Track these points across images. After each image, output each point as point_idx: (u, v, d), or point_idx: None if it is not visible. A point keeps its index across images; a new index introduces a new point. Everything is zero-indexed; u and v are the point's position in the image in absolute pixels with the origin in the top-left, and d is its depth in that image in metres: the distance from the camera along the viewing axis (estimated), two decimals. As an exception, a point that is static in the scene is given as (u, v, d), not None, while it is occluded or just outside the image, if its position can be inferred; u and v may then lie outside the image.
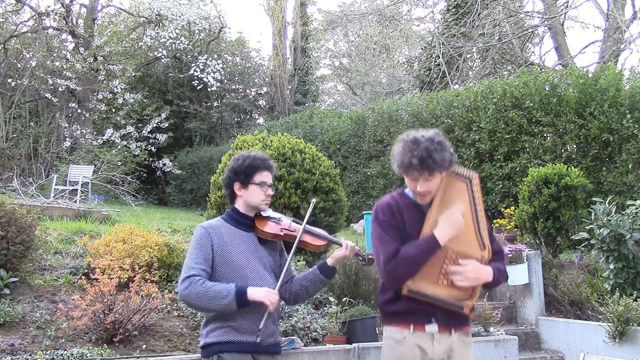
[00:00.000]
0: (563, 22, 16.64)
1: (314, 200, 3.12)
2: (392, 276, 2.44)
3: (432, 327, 2.51)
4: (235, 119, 21.12)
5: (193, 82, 18.08)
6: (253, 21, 46.49)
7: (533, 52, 19.88)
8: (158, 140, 16.70)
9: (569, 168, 6.99)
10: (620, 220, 5.63)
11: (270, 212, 2.91)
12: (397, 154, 2.50)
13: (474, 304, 2.57)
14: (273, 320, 2.78)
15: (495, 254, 2.59)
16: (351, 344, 4.90)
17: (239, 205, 2.87)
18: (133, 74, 17.45)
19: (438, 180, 2.48)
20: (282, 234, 2.83)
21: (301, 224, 2.88)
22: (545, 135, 8.70)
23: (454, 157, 2.53)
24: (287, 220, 2.90)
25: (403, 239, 2.48)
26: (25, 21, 16.79)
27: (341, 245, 2.84)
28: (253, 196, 2.83)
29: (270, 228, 2.83)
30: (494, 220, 7.56)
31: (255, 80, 21.46)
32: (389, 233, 2.49)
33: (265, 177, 2.84)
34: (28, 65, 16.09)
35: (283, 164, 6.84)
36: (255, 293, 2.61)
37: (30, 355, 4.16)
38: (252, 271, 2.74)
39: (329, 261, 2.86)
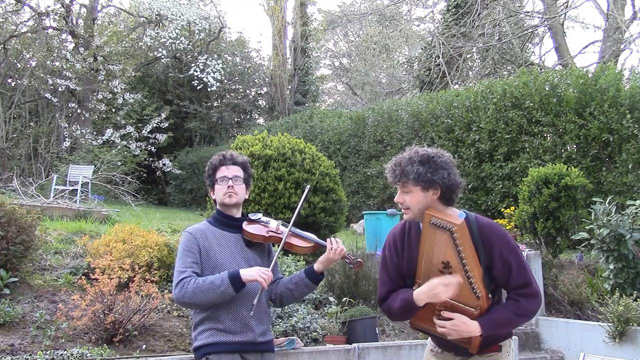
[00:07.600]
0: (563, 22, 16.65)
1: (308, 186, 3.16)
2: (387, 315, 2.62)
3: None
4: (235, 119, 21.13)
5: (193, 82, 18.08)
6: (253, 21, 46.52)
7: (533, 52, 19.90)
8: (158, 140, 16.70)
9: (569, 168, 6.99)
10: (620, 220, 5.62)
11: (260, 216, 2.95)
12: None
13: (479, 343, 2.47)
14: (262, 320, 2.80)
15: (514, 289, 2.44)
16: (351, 344, 4.91)
17: (219, 206, 2.93)
18: (133, 74, 17.45)
19: (418, 196, 2.43)
20: (267, 235, 2.85)
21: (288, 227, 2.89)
22: (545, 135, 8.69)
23: (445, 180, 2.40)
24: (274, 224, 2.93)
25: (402, 271, 2.56)
26: (25, 21, 16.81)
27: (327, 248, 2.83)
28: (217, 194, 2.89)
29: (255, 230, 2.86)
30: (494, 220, 7.56)
31: (255, 80, 21.46)
32: (387, 271, 2.58)
33: (224, 171, 2.87)
34: (28, 65, 16.09)
35: (283, 164, 6.84)
36: (248, 273, 2.64)
37: (30, 355, 4.15)
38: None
39: (316, 266, 2.86)
